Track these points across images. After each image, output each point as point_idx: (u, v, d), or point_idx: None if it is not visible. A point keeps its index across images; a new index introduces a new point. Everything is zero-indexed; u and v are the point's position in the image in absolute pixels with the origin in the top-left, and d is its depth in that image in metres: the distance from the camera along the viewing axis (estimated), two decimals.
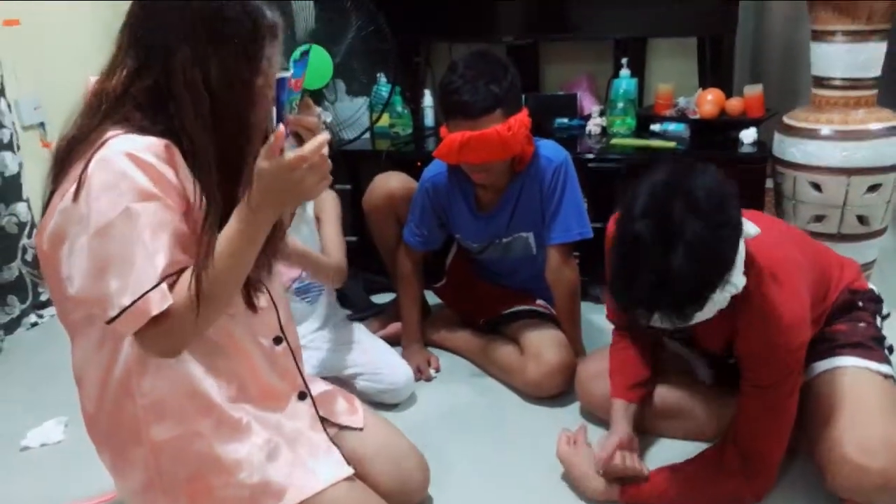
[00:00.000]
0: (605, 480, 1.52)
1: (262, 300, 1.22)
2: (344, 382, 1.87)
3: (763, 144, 2.42)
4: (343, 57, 2.37)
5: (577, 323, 2.03)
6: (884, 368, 1.51)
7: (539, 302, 2.10)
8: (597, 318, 2.23)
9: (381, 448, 1.42)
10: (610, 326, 1.78)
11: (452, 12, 2.81)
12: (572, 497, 1.57)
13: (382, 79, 2.69)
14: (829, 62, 2.18)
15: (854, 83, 2.17)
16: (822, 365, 1.53)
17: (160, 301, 1.00)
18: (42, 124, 2.65)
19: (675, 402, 1.70)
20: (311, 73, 2.35)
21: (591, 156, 2.45)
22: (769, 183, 2.45)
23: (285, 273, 1.81)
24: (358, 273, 2.56)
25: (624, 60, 2.64)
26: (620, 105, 2.61)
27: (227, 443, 1.17)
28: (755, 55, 2.79)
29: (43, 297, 2.61)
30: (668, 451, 1.66)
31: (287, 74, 1.09)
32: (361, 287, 2.53)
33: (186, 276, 1.03)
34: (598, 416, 1.79)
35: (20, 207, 2.48)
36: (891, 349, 1.61)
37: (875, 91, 2.20)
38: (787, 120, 2.30)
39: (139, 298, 0.99)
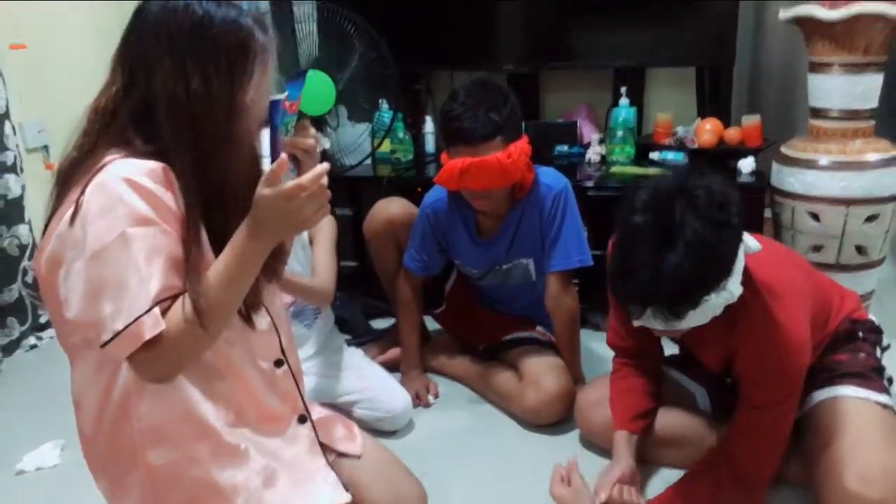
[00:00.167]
0: None
1: (264, 322, 1.22)
2: (341, 410, 1.86)
3: (761, 174, 2.44)
4: (346, 83, 2.39)
5: (576, 350, 2.03)
6: (883, 398, 1.51)
7: (538, 329, 2.10)
8: (596, 346, 2.23)
9: (378, 475, 1.41)
10: (610, 354, 1.78)
11: (454, 41, 2.85)
12: None
13: (384, 105, 2.71)
14: (826, 93, 2.20)
15: (851, 114, 2.18)
16: (822, 394, 1.53)
17: (153, 326, 1.00)
18: (46, 147, 2.67)
19: (676, 431, 1.69)
20: (313, 98, 2.38)
21: (590, 183, 2.47)
22: (767, 212, 2.46)
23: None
24: (357, 298, 2.57)
25: (623, 90, 2.66)
26: (620, 133, 2.63)
27: (224, 468, 1.16)
28: (753, 85, 2.82)
29: (42, 320, 2.61)
30: (669, 481, 1.64)
31: (281, 97, 1.09)
32: (361, 312, 2.53)
33: (180, 302, 1.03)
34: (597, 445, 1.79)
35: (22, 229, 2.49)
36: (890, 380, 1.61)
37: (872, 122, 2.22)
38: (785, 150, 2.32)
39: (132, 323, 0.99)
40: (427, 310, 2.23)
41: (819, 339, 1.53)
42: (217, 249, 1.08)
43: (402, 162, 2.82)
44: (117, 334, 0.99)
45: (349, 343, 2.20)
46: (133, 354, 1.01)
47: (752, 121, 2.51)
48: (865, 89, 2.16)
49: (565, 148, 2.77)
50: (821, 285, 1.61)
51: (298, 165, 1.19)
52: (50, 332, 2.56)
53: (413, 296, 2.12)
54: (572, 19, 2.77)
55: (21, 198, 2.49)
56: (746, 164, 2.44)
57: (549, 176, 1.96)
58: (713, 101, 2.72)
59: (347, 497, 1.27)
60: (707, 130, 2.54)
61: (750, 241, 1.35)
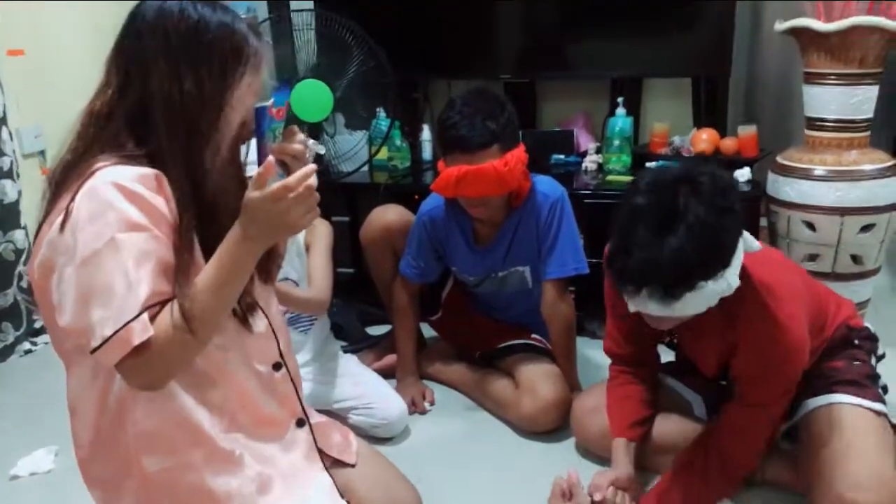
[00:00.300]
0: None
1: (261, 325, 1.22)
2: (337, 416, 1.85)
3: (757, 183, 2.45)
4: (343, 91, 2.40)
5: (572, 358, 2.03)
6: (877, 406, 1.52)
7: (534, 336, 2.10)
8: (593, 354, 2.23)
9: (374, 482, 1.41)
10: (606, 362, 1.78)
11: (451, 50, 2.86)
12: None
13: (382, 113, 2.73)
14: (821, 104, 2.21)
15: (847, 125, 2.20)
16: (817, 401, 1.54)
17: (141, 332, 0.99)
18: (42, 152, 2.67)
19: (673, 439, 1.69)
20: (311, 106, 2.38)
21: (586, 192, 2.47)
22: (763, 222, 2.47)
23: None
24: (354, 305, 2.57)
25: (620, 99, 2.67)
26: (616, 143, 2.64)
27: (219, 475, 1.16)
28: (749, 96, 2.83)
29: (37, 325, 2.60)
30: None
31: (267, 104, 1.10)
32: (357, 319, 2.53)
33: (169, 307, 1.02)
34: (593, 453, 1.79)
35: (18, 234, 2.49)
36: (885, 389, 1.62)
37: (868, 133, 2.23)
38: (780, 160, 2.33)
39: (121, 328, 0.98)
40: (423, 317, 2.23)
41: (815, 344, 1.54)
42: (208, 255, 1.08)
43: (399, 169, 2.83)
44: (106, 340, 0.98)
45: (345, 350, 2.19)
46: (121, 361, 1.00)
47: (748, 131, 2.53)
48: (861, 100, 2.17)
49: (562, 157, 2.78)
50: (817, 292, 1.62)
51: (288, 171, 1.19)
52: (45, 337, 2.56)
53: (409, 303, 2.13)
54: (569, 29, 2.78)
55: (17, 203, 2.49)
56: (742, 174, 2.45)
57: (546, 184, 1.97)
58: (709, 111, 2.73)
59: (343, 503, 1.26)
60: (703, 140, 2.55)
61: (750, 239, 1.36)
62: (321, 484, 1.28)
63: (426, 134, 2.93)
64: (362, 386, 1.98)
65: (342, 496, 1.28)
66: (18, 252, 2.50)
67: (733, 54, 2.60)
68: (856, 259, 2.25)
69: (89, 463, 1.19)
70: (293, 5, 2.84)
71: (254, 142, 1.11)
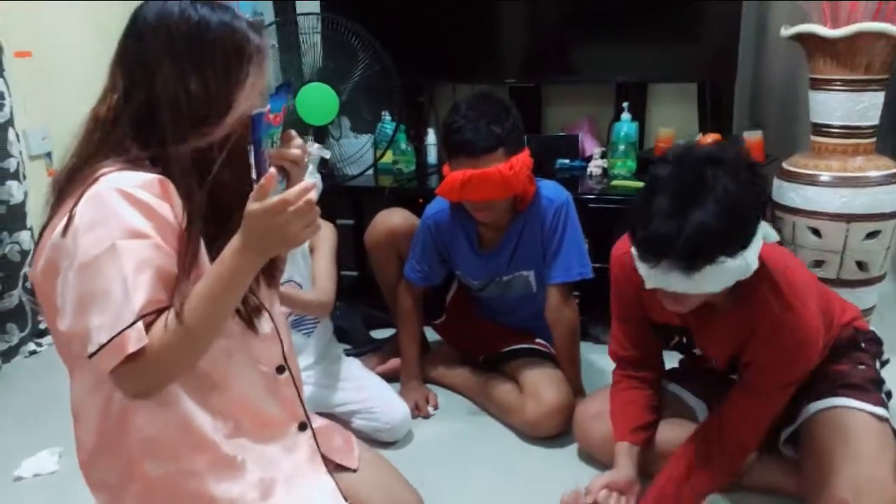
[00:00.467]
0: None
1: (267, 327, 1.22)
2: (339, 419, 1.85)
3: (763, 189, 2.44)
4: (349, 95, 2.41)
5: (576, 363, 2.03)
6: (879, 411, 1.52)
7: (538, 341, 2.10)
8: (597, 359, 2.23)
9: (376, 487, 1.40)
10: (610, 367, 1.78)
11: (457, 55, 2.87)
12: None
13: (387, 117, 2.73)
14: (827, 110, 2.21)
15: (852, 131, 2.19)
16: (820, 404, 1.54)
17: (136, 340, 0.99)
18: (49, 154, 2.68)
19: (676, 444, 1.69)
20: (317, 109, 2.39)
21: (591, 196, 2.47)
22: None
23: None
24: (358, 308, 2.57)
25: (625, 104, 2.67)
26: (621, 148, 2.64)
27: (221, 481, 1.15)
28: (755, 101, 2.83)
29: (42, 326, 2.61)
30: None
31: (263, 110, 1.10)
32: (361, 322, 2.54)
33: (165, 317, 1.02)
34: (596, 458, 1.78)
35: (24, 236, 2.50)
36: (889, 394, 1.61)
37: (873, 139, 2.23)
38: (786, 166, 2.33)
39: (116, 336, 0.98)
40: (427, 320, 2.23)
41: (822, 341, 1.54)
42: (214, 259, 1.07)
43: (403, 173, 2.83)
44: (102, 346, 0.98)
45: (348, 353, 2.19)
46: (116, 367, 1.00)
47: (753, 136, 2.52)
48: (867, 107, 2.17)
49: (567, 161, 2.78)
50: (824, 290, 1.63)
51: (287, 176, 1.18)
52: (49, 338, 2.57)
53: (413, 306, 2.13)
54: (575, 34, 2.78)
55: (23, 204, 2.50)
56: None
57: (551, 189, 1.97)
58: (715, 117, 2.73)
59: None
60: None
61: (769, 229, 1.37)
62: (324, 487, 1.27)
63: (431, 138, 2.93)
64: (365, 390, 1.98)
65: (345, 499, 1.28)
66: (24, 253, 2.51)
67: (739, 60, 2.60)
68: (861, 266, 2.24)
69: (92, 467, 1.19)
70: (299, 9, 2.85)
71: (251, 150, 1.11)
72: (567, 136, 2.86)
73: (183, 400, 1.12)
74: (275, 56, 2.52)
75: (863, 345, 1.61)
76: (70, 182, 1.07)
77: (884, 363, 1.66)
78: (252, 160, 1.14)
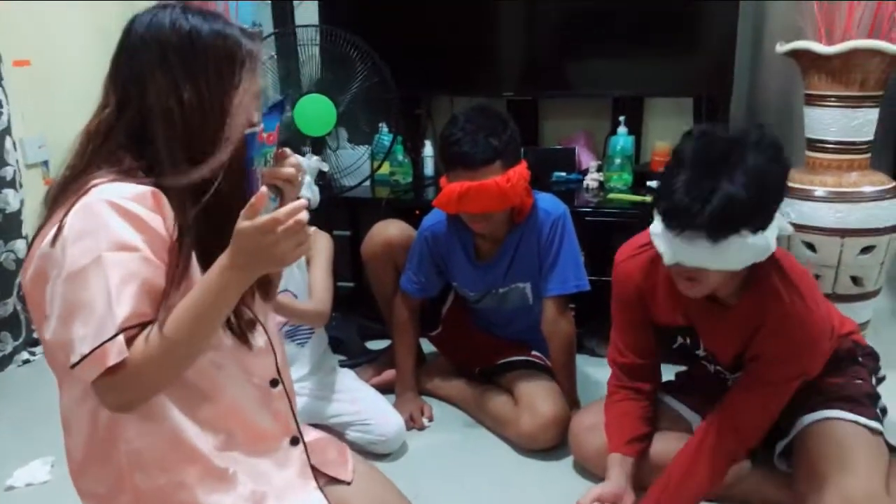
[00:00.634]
0: None
1: (260, 341, 1.21)
2: (333, 431, 1.85)
3: None
4: (346, 106, 2.42)
5: (572, 375, 2.03)
6: (873, 424, 1.52)
7: (534, 353, 2.10)
8: (592, 371, 2.23)
9: (370, 500, 1.39)
10: (605, 379, 1.77)
11: (455, 67, 2.88)
12: None
13: (384, 128, 2.74)
14: (822, 126, 2.22)
15: (847, 146, 2.21)
16: (814, 416, 1.54)
17: (117, 353, 0.98)
18: (46, 163, 2.68)
19: (670, 457, 1.68)
20: (315, 120, 2.40)
21: (588, 209, 2.48)
22: None
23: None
24: (354, 319, 2.57)
25: (621, 118, 2.69)
26: (617, 161, 2.65)
27: (212, 493, 1.14)
28: (750, 116, 2.84)
29: (36, 335, 2.60)
30: None
31: (256, 130, 1.09)
32: (357, 333, 2.53)
33: (148, 331, 1.01)
34: (591, 471, 1.78)
35: (19, 244, 2.50)
36: (884, 410, 1.61)
37: (868, 155, 2.24)
38: None
39: (97, 347, 0.97)
40: (423, 332, 2.23)
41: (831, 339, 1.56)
42: (206, 270, 1.07)
43: (400, 184, 2.84)
44: (84, 357, 0.98)
45: (343, 364, 2.19)
46: (97, 380, 0.99)
47: None
48: (861, 123, 2.18)
49: (563, 174, 2.79)
50: (825, 299, 1.63)
51: (281, 194, 1.18)
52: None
53: (410, 318, 2.12)
54: (572, 48, 2.80)
55: (19, 212, 2.50)
56: None
57: (548, 201, 1.97)
58: None
59: None
60: None
61: (783, 221, 1.38)
62: (314, 503, 1.26)
63: (428, 150, 2.94)
64: (360, 402, 1.97)
65: None
66: (19, 262, 2.50)
67: (734, 75, 2.61)
68: (856, 280, 2.25)
69: (82, 477, 1.18)
70: (298, 20, 2.86)
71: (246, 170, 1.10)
72: (564, 149, 2.88)
73: (172, 411, 1.11)
74: (273, 67, 2.53)
75: (860, 359, 1.62)
76: (63, 192, 1.07)
77: (880, 380, 1.66)
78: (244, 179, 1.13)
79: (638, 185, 2.65)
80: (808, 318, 1.43)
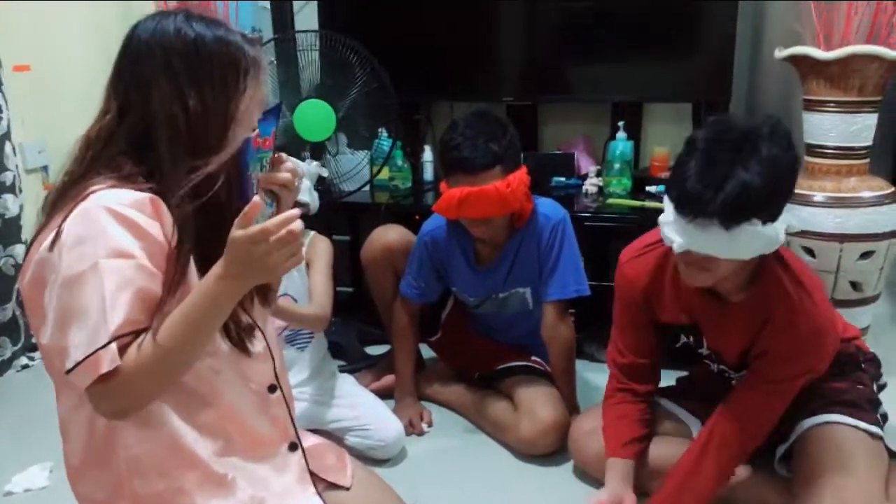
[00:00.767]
0: None
1: (259, 346, 1.21)
2: (333, 436, 1.84)
3: None
4: (346, 111, 2.43)
5: (572, 380, 2.02)
6: (873, 429, 1.52)
7: (534, 358, 2.10)
8: (592, 376, 2.23)
9: None
10: (605, 384, 1.77)
11: (454, 73, 2.88)
12: None
13: (384, 134, 2.74)
14: (821, 131, 2.23)
15: (846, 152, 2.21)
16: (815, 420, 1.54)
17: (109, 361, 0.98)
18: (45, 168, 2.68)
19: (670, 462, 1.68)
20: (314, 125, 2.40)
21: (587, 214, 2.48)
22: None
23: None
24: (353, 324, 2.57)
25: (620, 123, 2.69)
26: (617, 166, 2.65)
27: (210, 499, 1.14)
28: None
29: (35, 340, 2.59)
30: None
31: (251, 135, 1.09)
32: (356, 338, 2.53)
33: (141, 339, 1.01)
34: (591, 475, 1.78)
35: (18, 249, 2.49)
36: (885, 417, 1.61)
37: (867, 160, 2.25)
38: None
39: (91, 354, 0.97)
40: (423, 337, 2.22)
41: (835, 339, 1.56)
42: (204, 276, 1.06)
43: (400, 189, 2.84)
44: (78, 364, 0.98)
45: (343, 369, 2.19)
46: (90, 387, 0.99)
47: None
48: (860, 128, 2.19)
49: (562, 179, 2.79)
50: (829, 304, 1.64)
51: (277, 200, 1.17)
52: None
53: (409, 323, 2.12)
54: (571, 53, 2.80)
55: (18, 217, 2.50)
56: None
57: (548, 206, 1.98)
58: None
59: None
60: None
61: (791, 217, 1.39)
62: None
63: (428, 155, 2.94)
64: (359, 407, 1.97)
65: None
66: (18, 267, 2.49)
67: (733, 80, 2.62)
68: (855, 286, 2.25)
69: (80, 483, 1.18)
70: (298, 25, 2.87)
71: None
72: (563, 154, 2.88)
73: (171, 417, 1.11)
74: (273, 72, 2.53)
75: (863, 365, 1.62)
76: (61, 198, 1.07)
77: (881, 387, 1.66)
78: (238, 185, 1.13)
79: (637, 191, 2.66)
80: (815, 313, 1.43)
